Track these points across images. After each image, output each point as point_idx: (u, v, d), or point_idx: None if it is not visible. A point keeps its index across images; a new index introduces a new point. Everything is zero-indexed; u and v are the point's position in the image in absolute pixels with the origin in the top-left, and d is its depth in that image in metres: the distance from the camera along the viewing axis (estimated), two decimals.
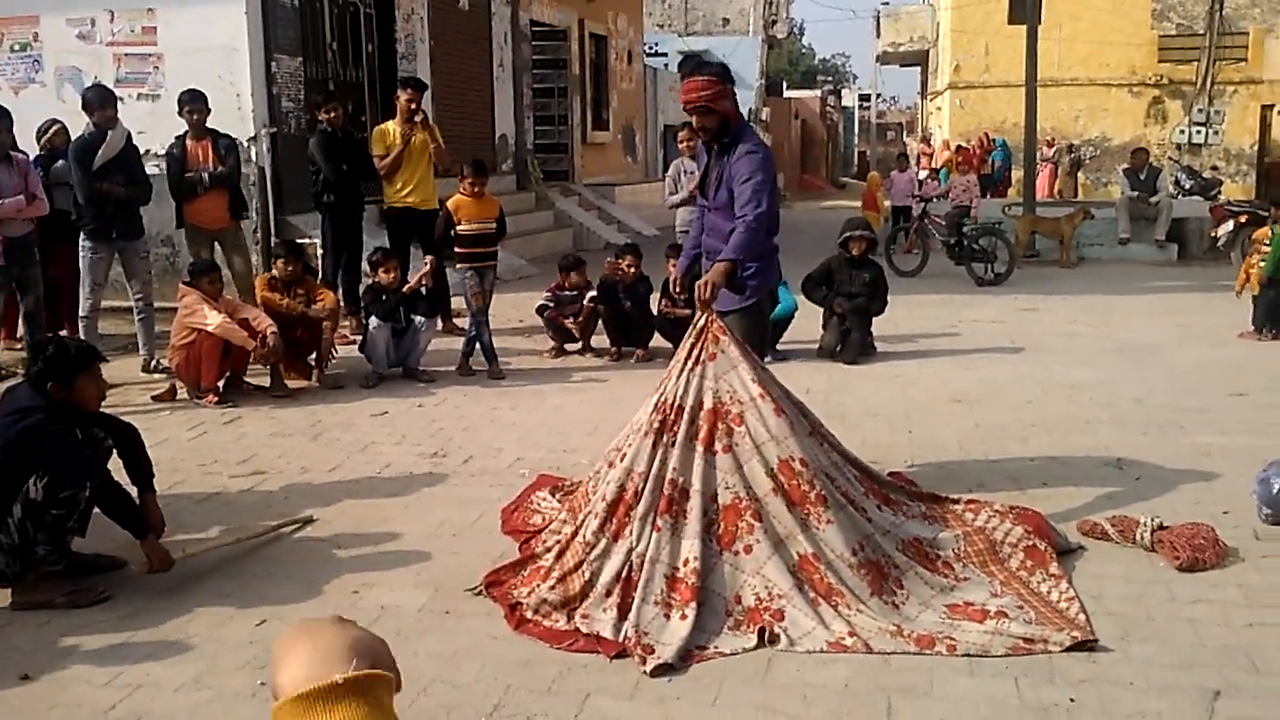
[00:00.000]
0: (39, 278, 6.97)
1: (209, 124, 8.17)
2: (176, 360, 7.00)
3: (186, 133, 8.09)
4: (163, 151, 8.41)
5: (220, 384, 7.06)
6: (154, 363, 7.76)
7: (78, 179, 7.40)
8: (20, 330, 7.79)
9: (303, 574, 4.28)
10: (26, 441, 3.91)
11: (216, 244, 8.27)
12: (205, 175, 8.02)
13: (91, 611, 3.95)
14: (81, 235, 7.49)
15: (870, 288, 8.50)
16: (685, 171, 8.48)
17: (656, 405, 4.23)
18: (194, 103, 8.07)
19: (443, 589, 4.09)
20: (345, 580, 4.19)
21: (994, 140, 25.41)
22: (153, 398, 7.12)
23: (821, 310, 8.59)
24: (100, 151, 7.39)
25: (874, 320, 8.56)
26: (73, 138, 7.88)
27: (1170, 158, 23.32)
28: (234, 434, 6.36)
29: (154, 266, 8.44)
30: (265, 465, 5.72)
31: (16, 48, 11.01)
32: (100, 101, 7.57)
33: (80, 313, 7.55)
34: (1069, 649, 3.52)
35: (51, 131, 8.68)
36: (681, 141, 8.71)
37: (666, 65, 28.17)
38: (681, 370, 4.24)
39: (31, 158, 8.01)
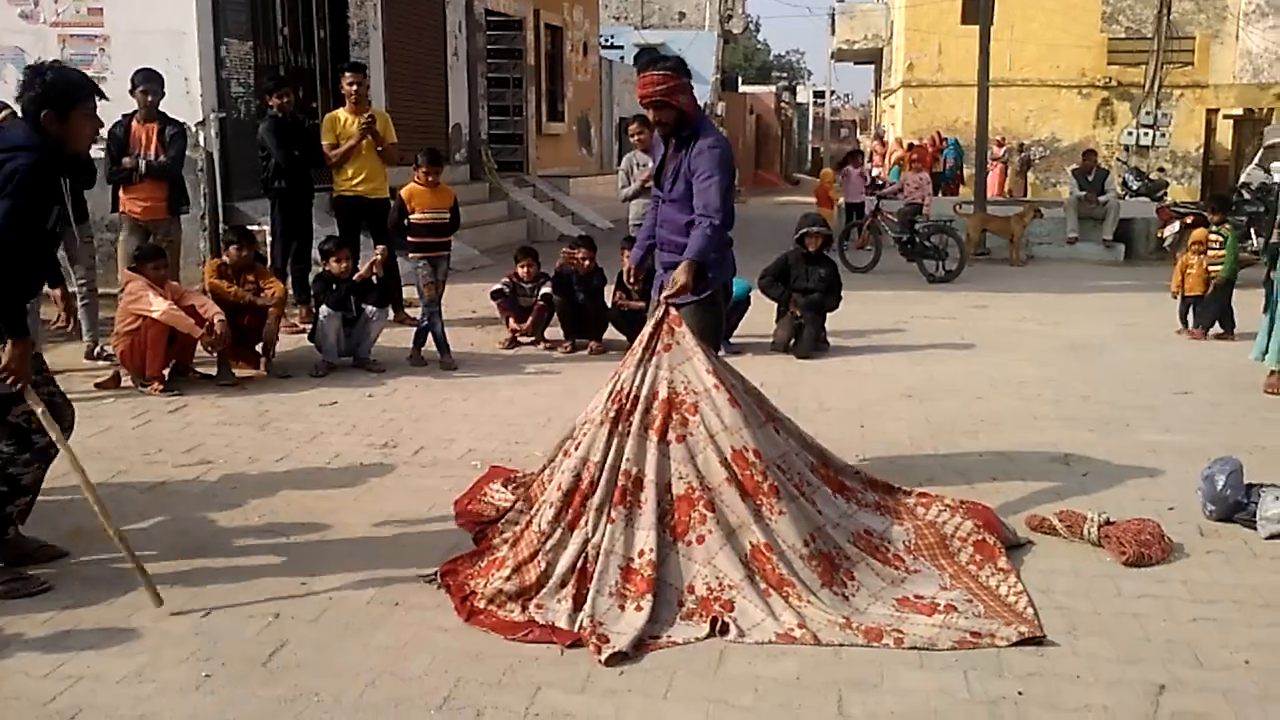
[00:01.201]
0: None
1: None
2: (121, 347, 6.86)
3: (135, 113, 7.85)
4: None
5: (166, 372, 6.93)
6: (98, 350, 7.61)
7: None
8: None
9: (248, 565, 4.21)
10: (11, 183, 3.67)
11: (150, 236, 7.87)
12: (142, 163, 7.78)
13: (33, 600, 3.86)
14: None
15: (825, 284, 8.55)
16: (638, 164, 8.46)
17: (612, 394, 4.22)
18: (148, 83, 7.82)
19: (392, 580, 4.04)
20: (292, 571, 4.13)
21: (946, 139, 25.64)
22: (96, 385, 6.97)
23: (776, 304, 8.62)
24: None
25: (827, 315, 8.61)
26: None
27: (1118, 159, 23.71)
28: (179, 423, 6.25)
29: (97, 252, 8.21)
30: (211, 455, 5.62)
31: None
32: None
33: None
34: (1016, 643, 3.55)
35: (1, 116, 8.46)
36: (633, 135, 8.69)
37: (622, 58, 28.14)
38: (638, 361, 4.23)
39: None
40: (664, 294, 4.40)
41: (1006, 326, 9.73)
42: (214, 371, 7.18)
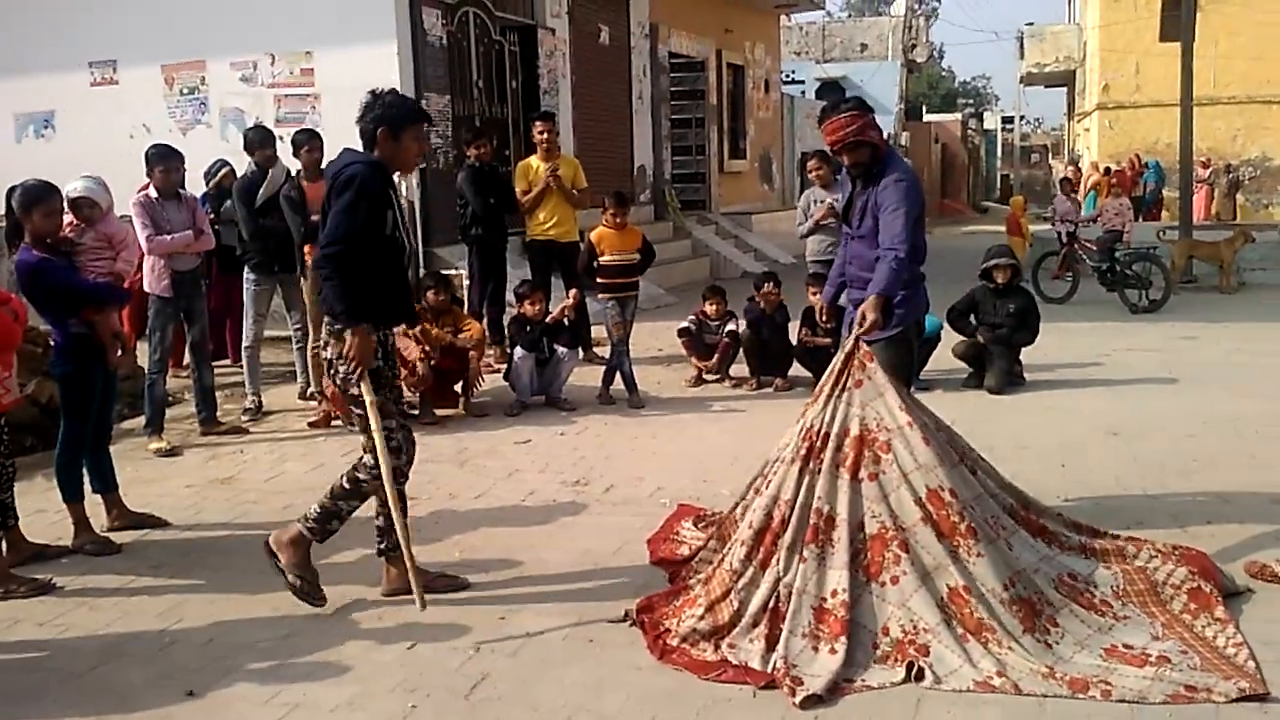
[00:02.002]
0: (205, 310, 7.31)
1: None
2: (331, 388, 7.25)
3: (299, 173, 7.77)
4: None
5: None
6: (310, 389, 8.06)
7: (242, 216, 7.75)
8: (186, 359, 8.18)
9: (450, 600, 4.37)
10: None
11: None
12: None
13: (251, 629, 4.12)
14: (245, 269, 7.81)
15: (1017, 318, 8.30)
16: (815, 200, 8.45)
17: (803, 432, 4.21)
18: (312, 141, 7.78)
19: (586, 617, 4.13)
20: (491, 607, 4.27)
21: (1145, 162, 24.51)
22: (309, 424, 7.40)
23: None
24: (262, 189, 7.71)
25: (1021, 350, 8.34)
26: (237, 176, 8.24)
27: None
28: None
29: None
30: (414, 491, 5.81)
31: (185, 91, 11.65)
32: (260, 142, 7.89)
33: (245, 342, 7.85)
34: (1236, 699, 3.34)
35: (221, 174, 9.14)
36: (812, 170, 8.68)
37: (804, 93, 28.11)
38: (828, 397, 4.22)
39: (199, 195, 8.42)
40: (855, 332, 4.37)
41: (1218, 359, 9.20)
42: (417, 411, 7.50)
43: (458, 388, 7.72)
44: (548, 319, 7.83)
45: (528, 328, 7.76)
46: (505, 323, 8.94)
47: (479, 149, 9.36)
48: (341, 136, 10.76)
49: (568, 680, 3.65)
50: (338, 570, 4.70)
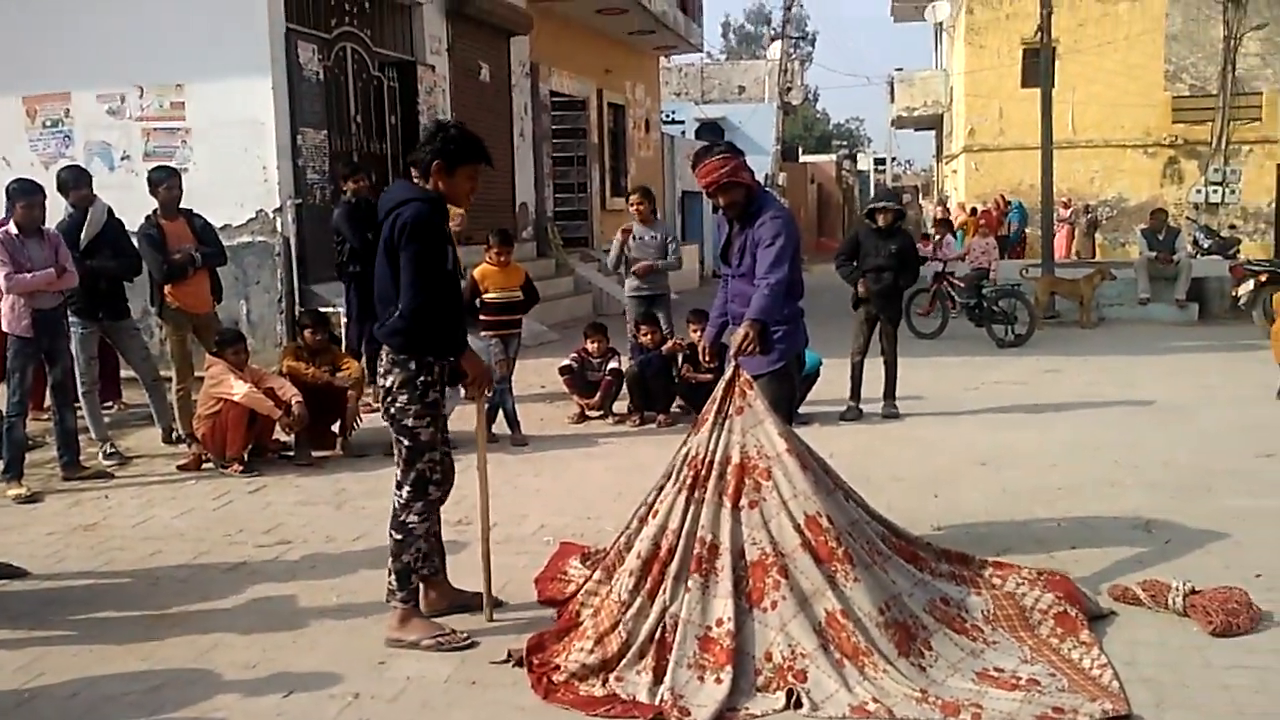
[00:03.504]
0: (67, 349, 7.04)
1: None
2: (203, 430, 7.05)
3: (157, 211, 7.59)
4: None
5: (245, 453, 7.09)
6: (173, 434, 7.80)
7: None
8: (47, 401, 7.85)
9: (328, 644, 4.26)
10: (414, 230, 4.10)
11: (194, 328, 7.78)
12: (197, 255, 7.59)
13: (118, 681, 3.94)
14: (69, 313, 7.22)
15: (898, 259, 8.48)
16: (635, 237, 8.70)
17: (687, 460, 4.26)
18: (172, 178, 7.62)
19: (469, 659, 4.07)
20: (371, 651, 4.18)
21: (1010, 202, 25.51)
22: (178, 467, 7.16)
23: (849, 368, 8.56)
24: (84, 230, 7.34)
25: (896, 384, 8.57)
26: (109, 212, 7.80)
27: (1188, 217, 23.37)
28: (259, 503, 6.38)
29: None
30: (290, 534, 5.73)
31: (48, 124, 11.24)
32: (74, 182, 7.45)
33: (80, 389, 7.43)
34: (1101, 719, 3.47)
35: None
36: (632, 205, 8.90)
37: (684, 133, 28.53)
38: (711, 424, 4.27)
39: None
40: (732, 350, 4.47)
41: (1080, 391, 9.59)
42: (292, 452, 7.33)
43: (335, 428, 7.57)
44: None
45: None
46: None
47: (357, 183, 9.23)
48: (214, 171, 10.75)
49: None
50: (205, 618, 4.55)
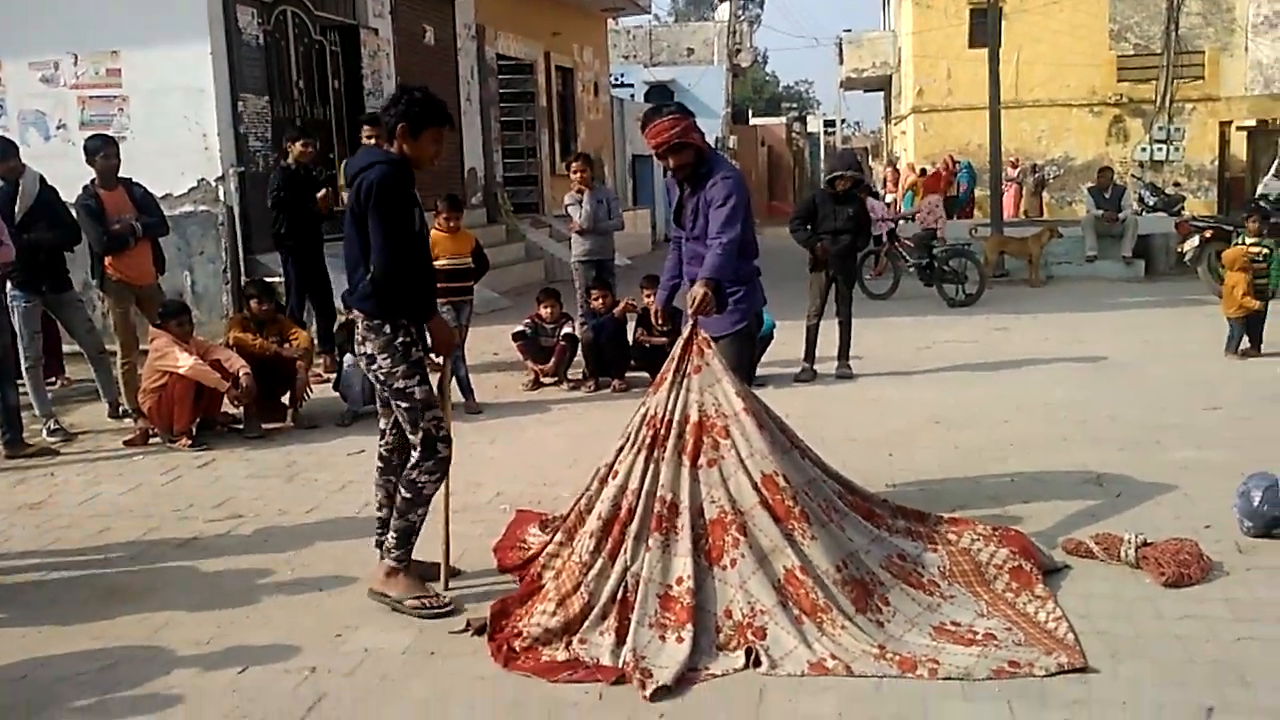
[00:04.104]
0: (8, 324, 6.86)
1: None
2: (148, 404, 6.91)
3: (95, 181, 7.37)
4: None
5: (194, 427, 6.97)
6: (120, 409, 7.64)
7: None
8: None
9: (283, 619, 4.21)
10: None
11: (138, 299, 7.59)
12: (138, 225, 7.40)
13: (70, 661, 3.86)
14: (9, 286, 7.05)
15: (854, 222, 8.61)
16: (576, 203, 8.75)
17: (646, 420, 4.25)
18: (109, 147, 7.39)
19: (427, 629, 4.04)
20: (327, 624, 4.13)
21: (959, 162, 25.62)
22: (125, 443, 7.03)
23: (804, 330, 8.58)
24: (17, 203, 7.13)
25: (850, 345, 8.60)
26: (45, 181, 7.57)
27: (1133, 175, 23.61)
28: (209, 477, 6.28)
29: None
30: (242, 508, 5.64)
31: None
32: (1, 153, 7.25)
33: (24, 364, 7.26)
34: (1056, 673, 3.50)
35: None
36: (575, 173, 8.84)
37: (633, 96, 28.33)
38: (670, 384, 4.26)
39: None
40: (689, 310, 4.45)
41: (1030, 348, 9.68)
42: (241, 425, 7.22)
43: (285, 399, 7.46)
44: None
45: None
46: (334, 330, 8.70)
47: (304, 148, 9.01)
48: (152, 139, 10.52)
49: (409, 696, 3.55)
50: (157, 595, 4.48)
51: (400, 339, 4.18)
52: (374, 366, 4.22)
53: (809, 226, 8.59)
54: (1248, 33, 27.16)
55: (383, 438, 4.48)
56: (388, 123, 4.20)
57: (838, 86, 43.72)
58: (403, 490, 4.25)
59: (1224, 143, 27.56)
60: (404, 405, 4.21)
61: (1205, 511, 4.98)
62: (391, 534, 4.27)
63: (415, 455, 4.25)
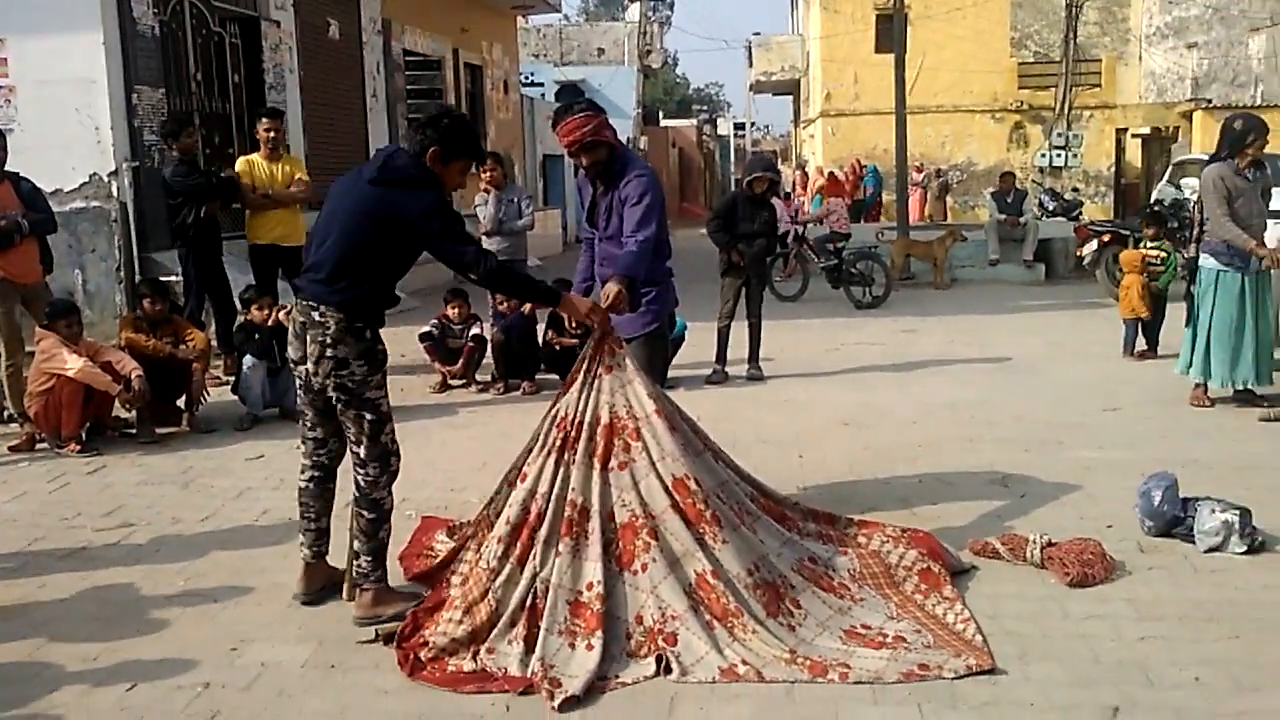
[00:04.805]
0: None
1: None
2: (35, 408, 6.61)
3: None
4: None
5: (83, 432, 6.69)
6: (4, 413, 7.29)
7: None
8: None
9: (175, 633, 4.03)
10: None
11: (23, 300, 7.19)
12: (24, 223, 7.07)
13: None
14: None
15: (768, 225, 8.74)
16: (484, 203, 8.74)
17: (556, 421, 4.16)
18: None
19: (327, 642, 3.90)
20: (222, 637, 3.96)
21: (865, 166, 26.00)
22: (10, 448, 6.71)
23: (715, 332, 8.57)
24: None
25: (760, 346, 8.61)
26: None
27: (1033, 180, 24.20)
28: (99, 484, 6.02)
29: None
30: (133, 516, 5.41)
31: None
32: None
33: None
34: (965, 675, 3.50)
35: None
36: (486, 172, 8.74)
37: (543, 95, 28.16)
38: (581, 384, 4.18)
39: None
40: (602, 306, 4.37)
41: (936, 350, 9.81)
42: (134, 429, 6.95)
43: (180, 403, 7.20)
44: (268, 322, 7.38)
45: (256, 334, 7.32)
46: (233, 330, 8.43)
47: (188, 138, 8.72)
48: (42, 132, 10.09)
49: (307, 711, 3.41)
50: (41, 609, 4.26)
51: (380, 345, 4.06)
52: (343, 372, 3.98)
53: (728, 228, 8.60)
54: (1141, 42, 28.07)
55: (323, 446, 4.26)
56: (419, 143, 4.02)
57: (747, 90, 44.13)
58: (365, 513, 4.09)
59: (1120, 149, 28.45)
60: (369, 417, 4.03)
61: (1107, 511, 5.06)
62: (365, 559, 4.10)
63: (372, 472, 4.07)
